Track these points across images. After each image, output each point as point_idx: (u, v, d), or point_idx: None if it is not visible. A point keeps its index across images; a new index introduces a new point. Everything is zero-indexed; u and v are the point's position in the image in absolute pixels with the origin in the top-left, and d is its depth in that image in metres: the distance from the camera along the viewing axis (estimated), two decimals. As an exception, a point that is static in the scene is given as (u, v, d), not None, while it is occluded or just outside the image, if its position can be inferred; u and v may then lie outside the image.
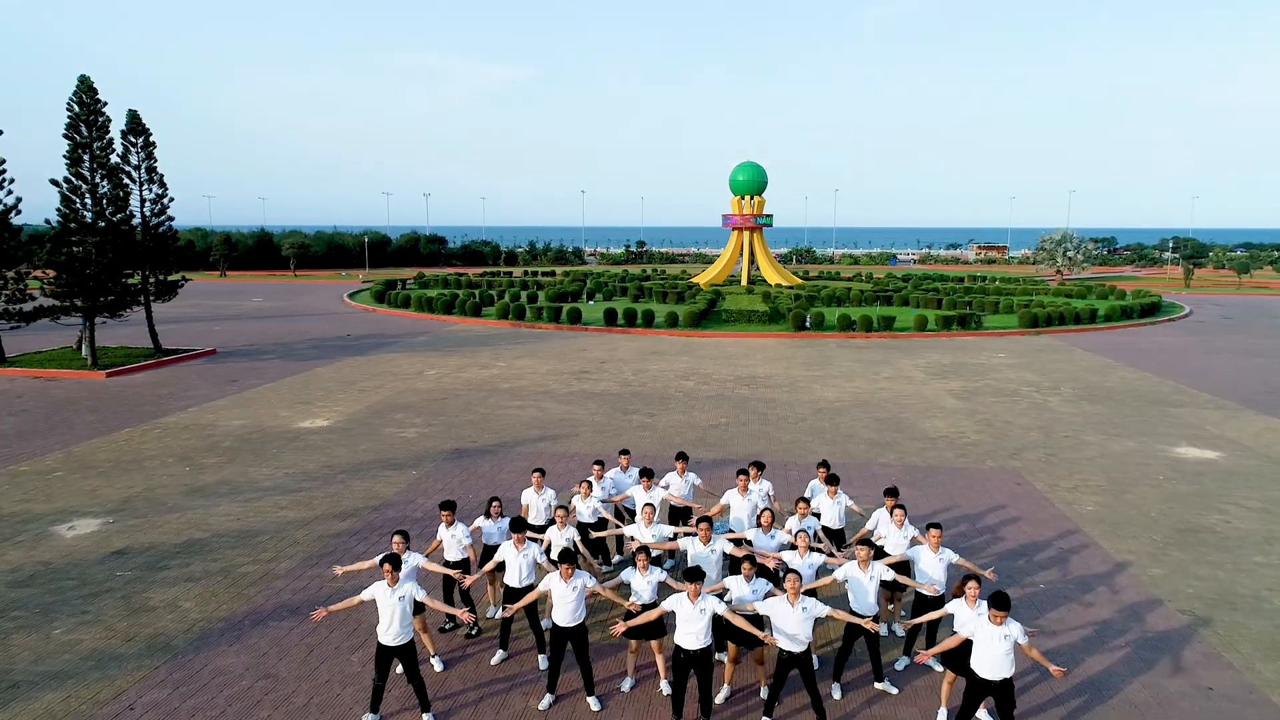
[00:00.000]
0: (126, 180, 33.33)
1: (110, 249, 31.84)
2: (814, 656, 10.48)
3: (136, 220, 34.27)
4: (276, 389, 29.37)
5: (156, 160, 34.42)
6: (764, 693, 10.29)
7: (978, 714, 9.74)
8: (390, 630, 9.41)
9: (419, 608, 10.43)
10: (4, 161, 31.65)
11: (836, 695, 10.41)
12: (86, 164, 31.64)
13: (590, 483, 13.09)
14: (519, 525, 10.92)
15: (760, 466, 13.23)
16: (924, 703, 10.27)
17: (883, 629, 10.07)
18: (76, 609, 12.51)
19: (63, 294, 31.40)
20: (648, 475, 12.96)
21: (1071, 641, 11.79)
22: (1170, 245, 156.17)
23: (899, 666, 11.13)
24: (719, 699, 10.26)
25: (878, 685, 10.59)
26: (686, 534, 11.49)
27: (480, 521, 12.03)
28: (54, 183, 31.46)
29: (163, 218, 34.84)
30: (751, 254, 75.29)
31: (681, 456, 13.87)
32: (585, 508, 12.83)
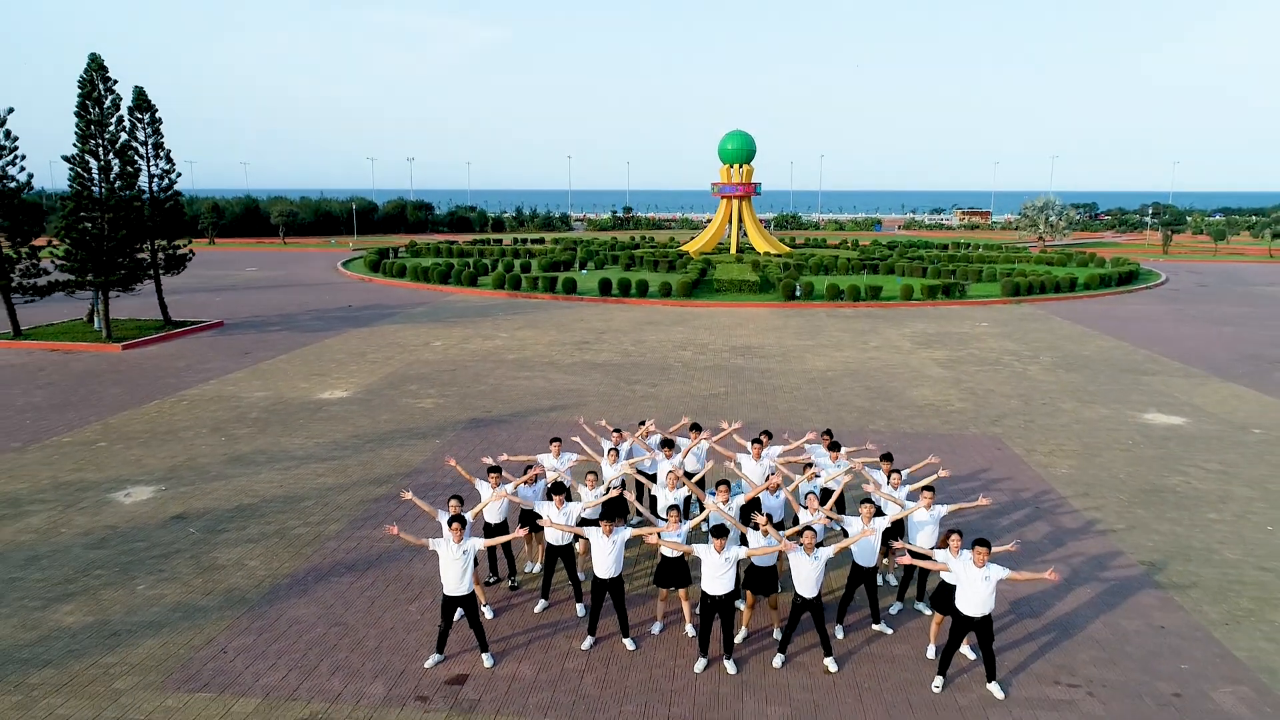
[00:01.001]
0: (135, 156, 34.02)
1: (123, 225, 32.63)
2: (823, 602, 11.96)
3: (145, 195, 35.01)
4: (290, 360, 30.49)
5: (163, 136, 35.10)
6: (778, 634, 11.79)
7: (961, 648, 11.28)
8: (454, 582, 10.80)
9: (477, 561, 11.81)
10: (16, 139, 32.28)
11: (840, 635, 11.93)
12: (96, 141, 32.29)
13: (616, 450, 14.45)
14: (559, 489, 12.29)
15: (770, 435, 14.67)
16: (915, 640, 11.81)
17: (879, 579, 11.56)
18: (153, 568, 13.83)
19: (77, 269, 32.22)
20: (668, 445, 14.33)
21: (1043, 587, 13.36)
22: (1150, 211, 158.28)
23: (893, 611, 12.66)
24: (738, 639, 11.75)
25: (875, 626, 12.12)
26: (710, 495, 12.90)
27: (521, 487, 13.35)
28: (66, 159, 32.13)
29: (170, 192, 35.58)
30: (740, 222, 76.28)
31: (695, 427, 15.27)
32: (612, 471, 14.21)
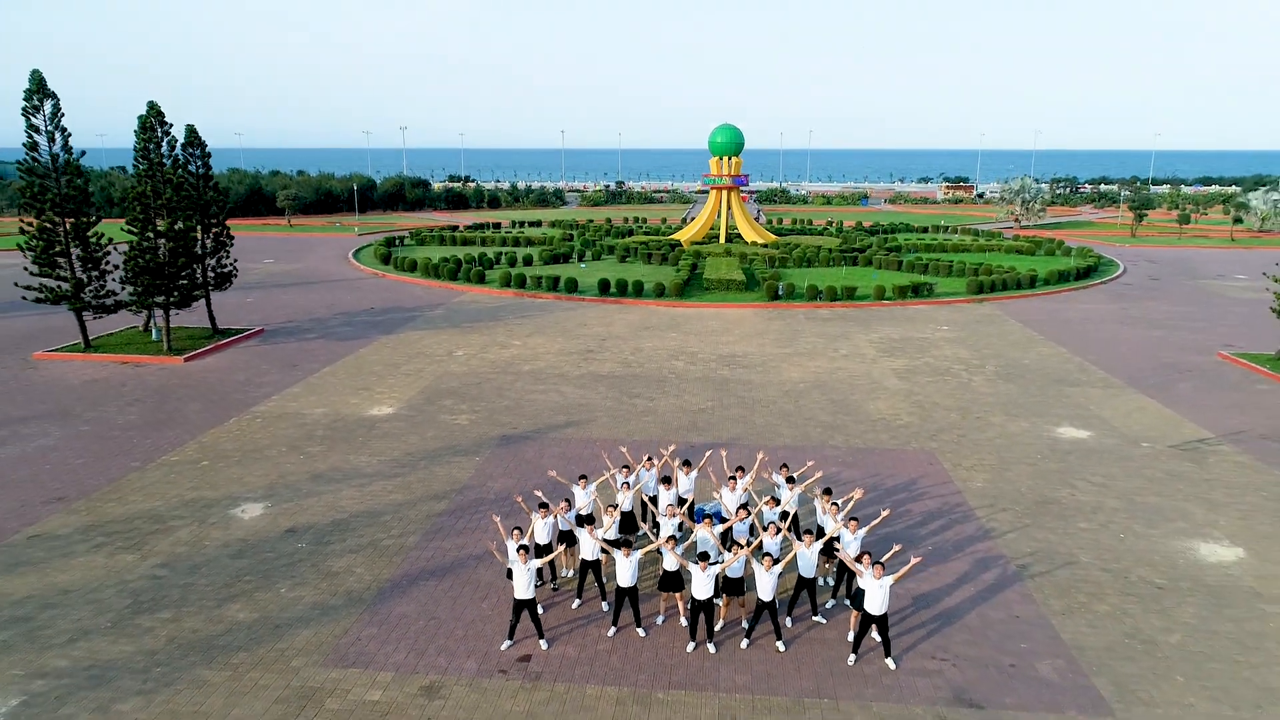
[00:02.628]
0: (190, 189, 38.24)
1: (181, 252, 36.98)
2: (777, 601, 16.85)
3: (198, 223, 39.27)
4: (334, 373, 35.12)
5: (211, 167, 39.26)
6: (744, 624, 16.72)
7: (871, 635, 16.23)
8: (523, 590, 15.66)
9: (539, 574, 16.67)
10: (87, 181, 36.47)
11: (789, 624, 16.89)
12: (157, 181, 36.48)
13: (629, 484, 19.25)
14: (590, 520, 17.13)
15: (742, 469, 19.52)
16: (840, 628, 16.76)
17: (819, 581, 16.44)
18: (285, 574, 18.67)
19: (143, 293, 36.59)
20: (666, 481, 19.14)
21: (938, 585, 18.34)
22: (1126, 187, 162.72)
23: (828, 606, 17.62)
24: (717, 628, 16.68)
25: (814, 617, 17.08)
26: (699, 528, 17.77)
27: (555, 515, 18.11)
28: (129, 198, 36.33)
29: (223, 218, 39.86)
30: (729, 211, 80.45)
31: (686, 464, 20.08)
32: (625, 501, 19.04)
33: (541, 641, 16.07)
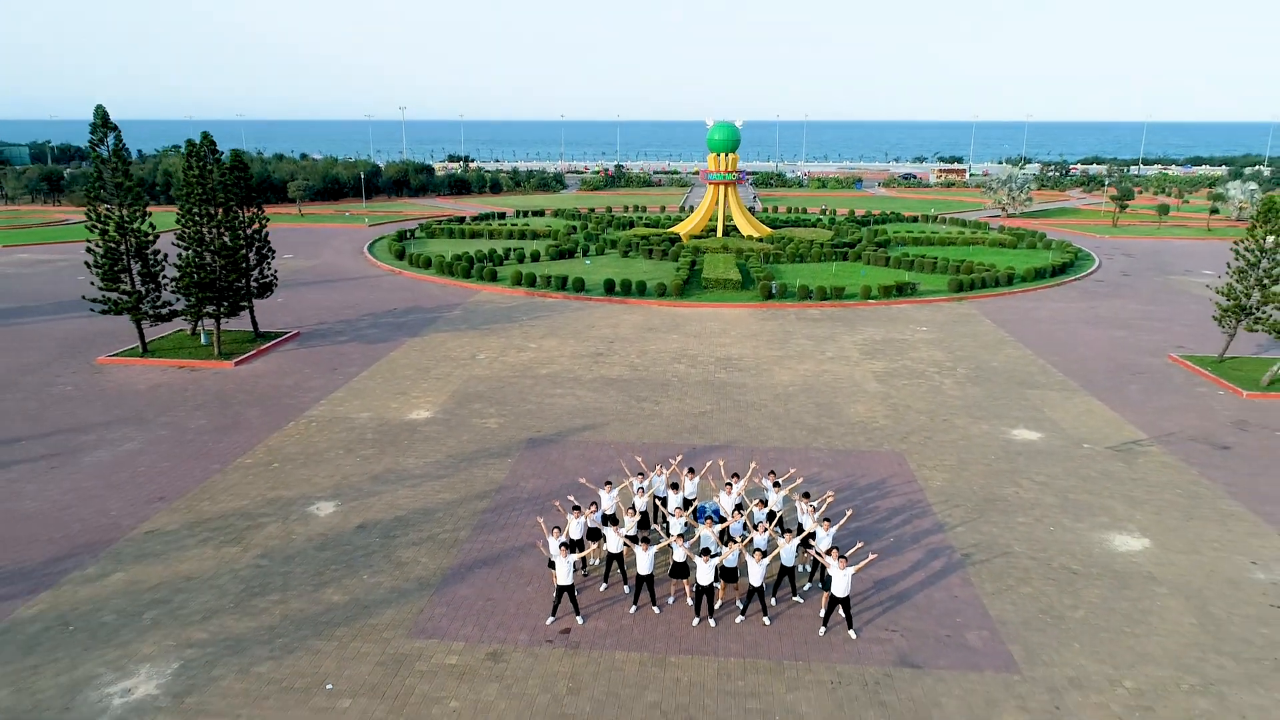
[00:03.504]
0: (235, 209, 42.03)
1: (230, 268, 40.85)
2: (765, 585, 21.00)
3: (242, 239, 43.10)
4: (371, 377, 39.14)
5: (253, 189, 43.00)
6: (739, 604, 20.93)
7: (837, 612, 20.42)
8: (564, 578, 19.82)
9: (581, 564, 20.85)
10: (148, 202, 40.18)
11: (773, 604, 21.11)
12: (209, 206, 40.29)
13: (643, 489, 23.38)
14: (613, 520, 21.29)
15: (738, 476, 23.67)
16: (813, 607, 20.98)
17: (799, 569, 20.62)
18: (364, 564, 22.84)
19: (198, 305, 40.49)
20: (675, 486, 23.27)
21: (895, 572, 22.57)
22: (1116, 170, 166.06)
23: (805, 588, 21.85)
24: (717, 606, 20.89)
25: (794, 598, 21.30)
26: (701, 527, 21.94)
27: (585, 516, 22.26)
28: (181, 220, 40.11)
29: (264, 234, 43.67)
30: (727, 206, 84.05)
31: (691, 470, 24.21)
32: (641, 503, 23.18)
33: (578, 618, 20.27)
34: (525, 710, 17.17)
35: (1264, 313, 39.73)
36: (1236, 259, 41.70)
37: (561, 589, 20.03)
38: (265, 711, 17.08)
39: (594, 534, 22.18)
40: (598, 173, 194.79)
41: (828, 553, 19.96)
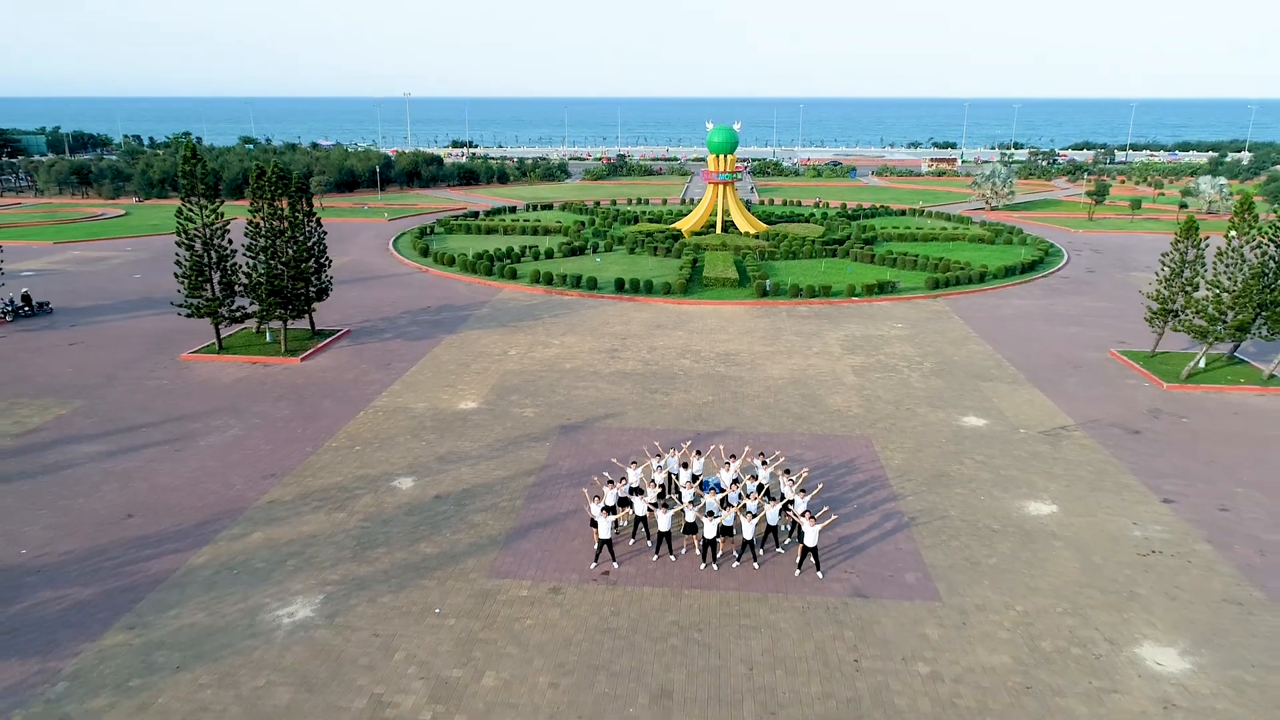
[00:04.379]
0: (303, 224, 48.38)
1: (299, 277, 47.28)
2: (755, 539, 27.55)
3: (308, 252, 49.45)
4: (421, 372, 45.62)
5: (315, 209, 49.30)
6: (735, 554, 27.60)
7: (809, 559, 27.06)
8: (605, 532, 26.44)
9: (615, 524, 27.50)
10: (228, 223, 46.55)
11: (761, 554, 27.78)
12: (279, 225, 46.65)
13: (660, 466, 29.99)
14: (638, 490, 27.94)
15: (735, 456, 30.31)
16: (791, 555, 27.62)
17: (780, 528, 27.33)
18: (446, 525, 29.45)
19: (268, 310, 46.95)
20: (685, 465, 29.87)
21: (855, 531, 29.22)
22: (1100, 157, 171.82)
23: (785, 543, 28.50)
24: (719, 556, 27.56)
25: (777, 550, 27.97)
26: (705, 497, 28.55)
27: (617, 488, 28.83)
28: (250, 235, 46.47)
29: (323, 245, 50.02)
30: (725, 203, 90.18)
31: (698, 452, 30.79)
32: (659, 478, 29.79)
33: (614, 563, 26.94)
34: (580, 626, 23.85)
35: (1186, 316, 46.23)
36: (1163, 267, 48.16)
37: (602, 542, 26.65)
38: (394, 627, 23.75)
39: (624, 501, 28.76)
40: (600, 159, 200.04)
41: (802, 515, 26.58)
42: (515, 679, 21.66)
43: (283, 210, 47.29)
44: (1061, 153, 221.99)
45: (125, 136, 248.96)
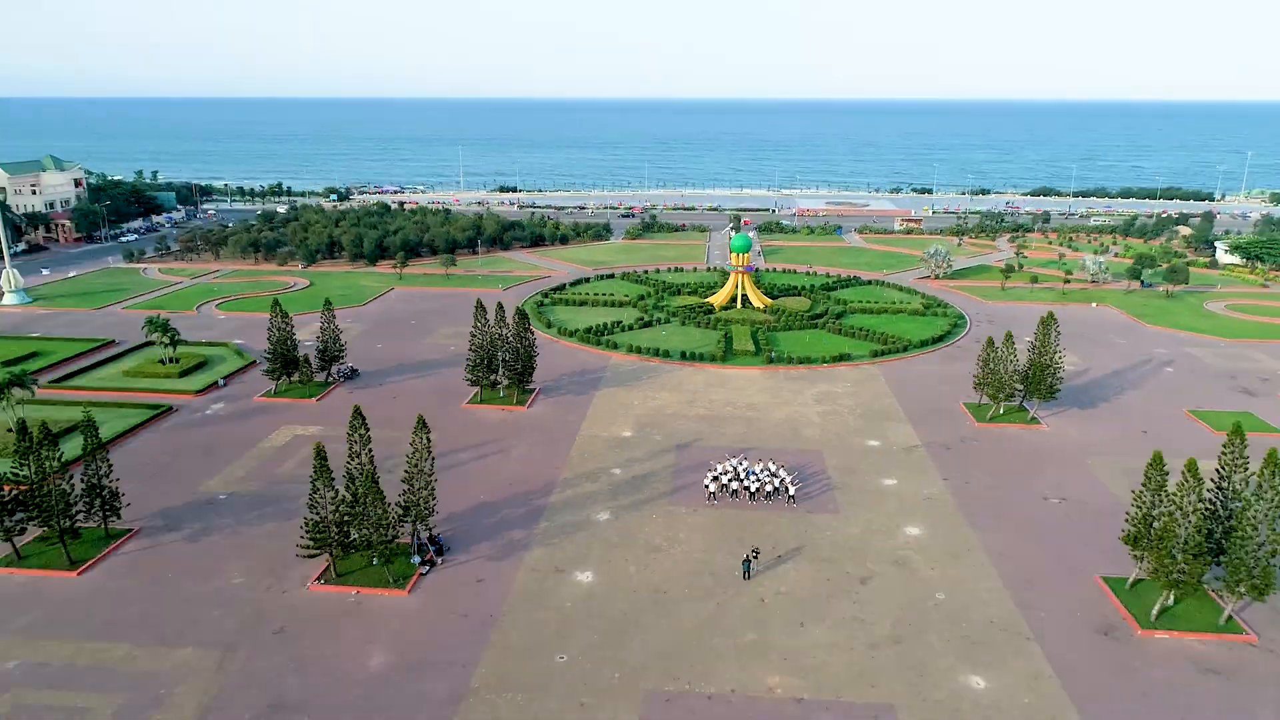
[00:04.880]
0: (526, 338, 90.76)
1: (526, 359, 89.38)
2: (771, 490, 69.03)
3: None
4: (593, 415, 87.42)
5: (527, 324, 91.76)
6: (762, 497, 69.64)
7: (792, 499, 69.03)
8: (711, 487, 68.53)
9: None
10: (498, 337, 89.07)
11: (771, 499, 69.90)
12: (517, 342, 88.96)
13: (728, 461, 72.08)
14: (723, 473, 70.35)
15: (760, 460, 72.54)
16: (785, 499, 69.69)
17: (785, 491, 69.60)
18: (648, 486, 71.49)
19: (511, 382, 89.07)
20: (743, 462, 71.86)
21: (807, 495, 71.21)
22: (1034, 224, 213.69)
23: (790, 494, 70.61)
24: (754, 497, 69.58)
25: (788, 498, 70.15)
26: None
27: (715, 470, 70.66)
28: (503, 349, 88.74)
29: (533, 349, 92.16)
30: (737, 286, 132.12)
31: (745, 457, 72.80)
32: (727, 466, 71.78)
33: (714, 500, 68.95)
34: (698, 530, 65.75)
35: (990, 389, 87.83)
36: (980, 357, 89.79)
37: (710, 494, 68.68)
38: (634, 521, 65.66)
39: (715, 480, 70.69)
40: (630, 213, 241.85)
41: (790, 481, 68.53)
42: (700, 544, 63.60)
43: (512, 328, 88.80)
44: (1015, 204, 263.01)
45: (226, 184, 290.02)
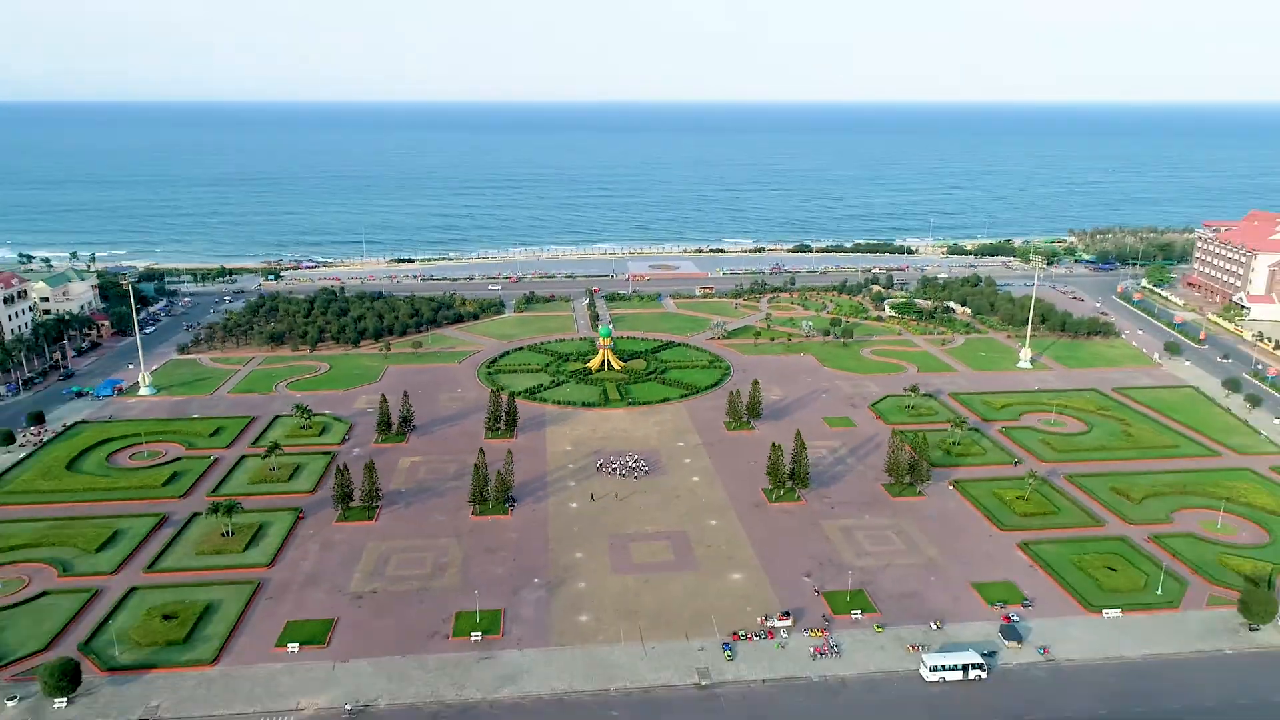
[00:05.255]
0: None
1: (510, 422, 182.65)
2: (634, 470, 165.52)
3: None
4: (555, 436, 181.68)
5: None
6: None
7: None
8: (610, 479, 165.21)
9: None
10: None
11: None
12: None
13: (613, 460, 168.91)
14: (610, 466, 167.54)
15: (628, 456, 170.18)
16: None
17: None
18: (598, 474, 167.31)
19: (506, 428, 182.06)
20: (624, 459, 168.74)
21: (651, 469, 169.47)
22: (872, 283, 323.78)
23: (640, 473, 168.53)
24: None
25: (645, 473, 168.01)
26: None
27: (611, 465, 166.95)
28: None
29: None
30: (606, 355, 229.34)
31: (629, 456, 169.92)
32: (614, 462, 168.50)
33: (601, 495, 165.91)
34: (607, 485, 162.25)
35: (730, 414, 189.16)
36: (728, 396, 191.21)
37: (610, 470, 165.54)
38: (591, 484, 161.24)
39: (607, 464, 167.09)
40: (508, 279, 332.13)
41: (641, 463, 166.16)
42: (609, 488, 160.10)
43: (505, 402, 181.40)
44: (778, 264, 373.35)
45: (176, 268, 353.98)
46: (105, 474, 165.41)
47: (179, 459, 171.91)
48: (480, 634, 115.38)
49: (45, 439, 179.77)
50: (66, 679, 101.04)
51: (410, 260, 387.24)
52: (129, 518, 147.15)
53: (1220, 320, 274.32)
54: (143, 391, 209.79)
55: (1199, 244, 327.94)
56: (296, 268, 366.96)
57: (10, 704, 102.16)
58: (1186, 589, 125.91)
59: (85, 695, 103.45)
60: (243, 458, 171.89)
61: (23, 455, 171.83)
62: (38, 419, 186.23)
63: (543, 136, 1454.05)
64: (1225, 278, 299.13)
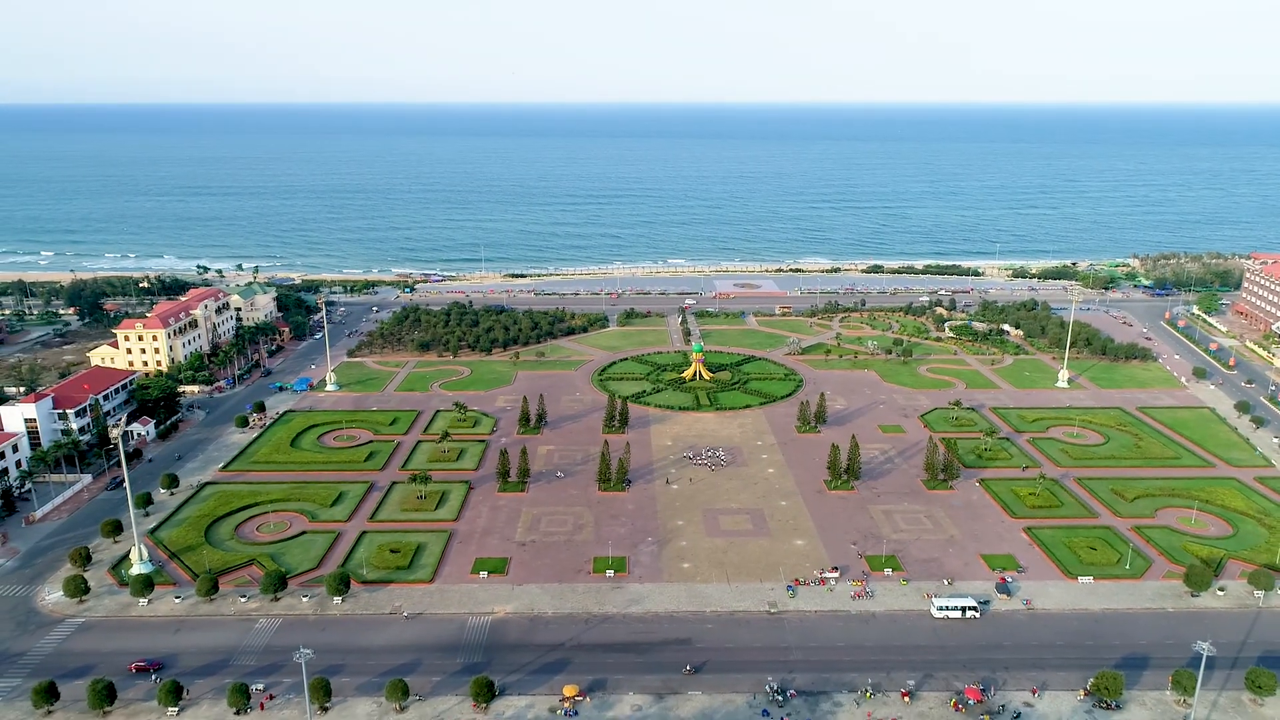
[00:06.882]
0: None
1: (624, 421, 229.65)
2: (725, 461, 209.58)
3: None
4: (659, 433, 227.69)
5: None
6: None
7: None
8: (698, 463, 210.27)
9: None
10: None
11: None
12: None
13: (709, 452, 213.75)
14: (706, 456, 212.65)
15: (729, 451, 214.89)
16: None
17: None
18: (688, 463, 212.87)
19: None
20: (718, 451, 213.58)
21: (733, 462, 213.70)
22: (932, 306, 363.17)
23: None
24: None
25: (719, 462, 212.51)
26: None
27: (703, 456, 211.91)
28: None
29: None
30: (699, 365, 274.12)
31: (721, 450, 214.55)
32: (706, 456, 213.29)
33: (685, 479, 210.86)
34: (700, 470, 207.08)
35: (800, 419, 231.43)
36: (800, 404, 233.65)
37: (700, 461, 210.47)
38: (687, 471, 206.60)
39: (699, 455, 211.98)
40: (610, 296, 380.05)
41: (723, 456, 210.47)
42: (702, 475, 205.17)
43: (619, 406, 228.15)
44: (850, 285, 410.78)
45: (330, 279, 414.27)
46: (319, 451, 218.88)
47: (370, 442, 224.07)
48: (612, 571, 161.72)
49: (268, 423, 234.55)
50: (344, 585, 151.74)
51: (522, 275, 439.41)
52: (346, 484, 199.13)
53: (1255, 347, 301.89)
54: (329, 388, 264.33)
55: (1247, 274, 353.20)
56: (426, 280, 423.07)
57: (305, 600, 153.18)
58: (1150, 565, 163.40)
59: (351, 598, 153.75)
60: (418, 443, 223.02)
61: (255, 435, 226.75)
62: (260, 408, 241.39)
63: (636, 142, 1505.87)
64: (1269, 308, 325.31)
